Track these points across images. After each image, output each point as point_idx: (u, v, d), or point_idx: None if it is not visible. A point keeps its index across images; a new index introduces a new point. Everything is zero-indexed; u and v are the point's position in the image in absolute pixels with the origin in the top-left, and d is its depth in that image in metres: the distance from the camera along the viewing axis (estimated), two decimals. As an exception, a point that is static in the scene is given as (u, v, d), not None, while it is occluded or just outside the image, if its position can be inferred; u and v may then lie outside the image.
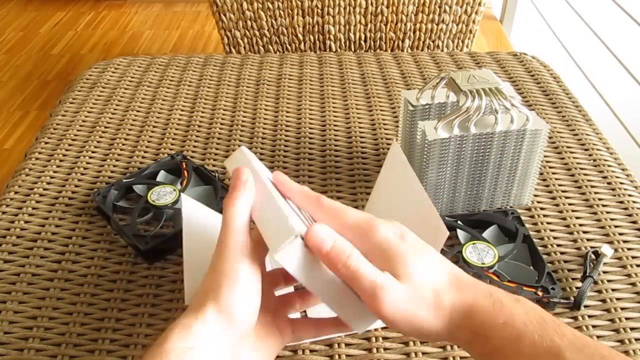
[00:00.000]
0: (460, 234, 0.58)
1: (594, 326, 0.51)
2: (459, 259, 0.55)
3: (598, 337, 0.50)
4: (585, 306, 0.52)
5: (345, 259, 0.36)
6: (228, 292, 0.37)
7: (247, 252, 0.39)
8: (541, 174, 0.68)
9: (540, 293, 0.51)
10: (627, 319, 0.51)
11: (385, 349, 0.49)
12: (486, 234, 0.58)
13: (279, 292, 0.47)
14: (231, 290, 0.37)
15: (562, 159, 0.71)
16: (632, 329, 0.50)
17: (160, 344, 0.36)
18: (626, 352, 0.49)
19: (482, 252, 0.55)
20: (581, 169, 0.69)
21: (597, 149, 0.73)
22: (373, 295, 0.36)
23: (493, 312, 0.36)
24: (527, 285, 0.52)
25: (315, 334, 0.48)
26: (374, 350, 0.49)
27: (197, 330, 0.36)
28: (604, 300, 0.53)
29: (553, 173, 0.69)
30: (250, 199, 0.40)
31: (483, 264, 0.54)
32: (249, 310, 0.38)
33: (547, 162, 0.71)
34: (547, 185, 0.67)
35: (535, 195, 0.65)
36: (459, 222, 0.60)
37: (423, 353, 0.49)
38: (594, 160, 0.71)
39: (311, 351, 0.49)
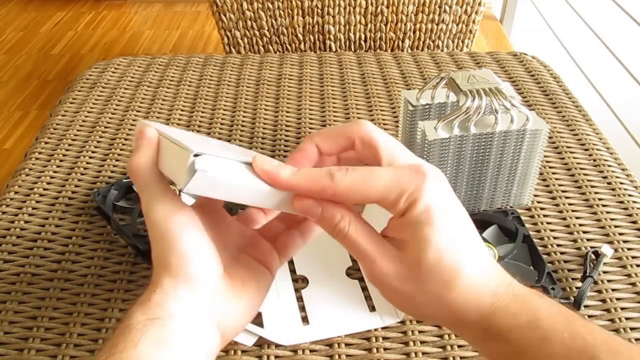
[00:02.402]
0: None
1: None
2: None
3: (598, 337, 0.50)
4: (585, 306, 0.52)
5: (334, 224, 0.34)
6: (174, 257, 0.35)
7: (178, 208, 0.36)
8: (541, 174, 0.68)
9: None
10: (627, 319, 0.51)
11: (385, 349, 0.49)
12: (486, 234, 0.58)
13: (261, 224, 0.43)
14: (176, 254, 0.35)
15: (562, 159, 0.71)
16: (632, 329, 0.51)
17: (124, 322, 0.34)
18: (626, 352, 0.49)
19: None
20: (581, 169, 0.69)
21: (597, 149, 0.73)
22: (363, 265, 0.34)
23: (515, 310, 0.32)
24: (527, 284, 0.52)
25: (304, 240, 0.43)
26: (374, 350, 0.49)
27: (158, 302, 0.34)
28: (604, 300, 0.53)
29: (553, 173, 0.69)
30: (152, 153, 0.37)
31: None
32: (204, 266, 0.35)
33: (547, 162, 0.71)
34: (547, 185, 0.67)
35: (535, 195, 0.65)
36: None
37: (423, 353, 0.49)
38: (594, 160, 0.71)
39: (311, 351, 0.49)
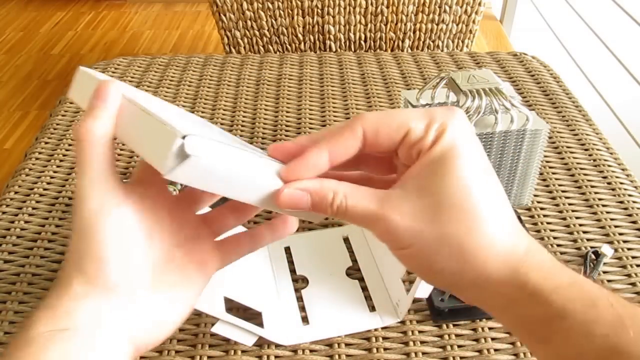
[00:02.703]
0: None
1: (594, 326, 0.51)
2: None
3: (598, 337, 0.50)
4: (585, 306, 0.52)
5: (328, 205, 0.29)
6: (93, 262, 0.30)
7: (117, 202, 0.30)
8: (541, 174, 0.68)
9: None
10: (627, 319, 0.51)
11: (385, 349, 0.49)
12: None
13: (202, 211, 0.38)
14: (97, 259, 0.30)
15: (562, 159, 0.71)
16: (632, 329, 0.50)
17: (24, 332, 0.29)
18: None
19: None
20: (581, 169, 0.69)
21: (597, 149, 0.73)
22: (375, 230, 0.29)
23: (553, 269, 0.28)
24: None
25: (251, 247, 0.38)
26: (374, 350, 0.49)
27: (67, 310, 0.29)
28: (604, 300, 0.53)
29: (553, 173, 0.69)
30: (110, 121, 0.30)
31: None
32: (127, 277, 0.31)
33: (547, 162, 0.71)
34: (547, 185, 0.67)
35: (535, 195, 0.65)
36: None
37: (423, 353, 0.49)
38: (594, 160, 0.71)
39: (311, 351, 0.49)
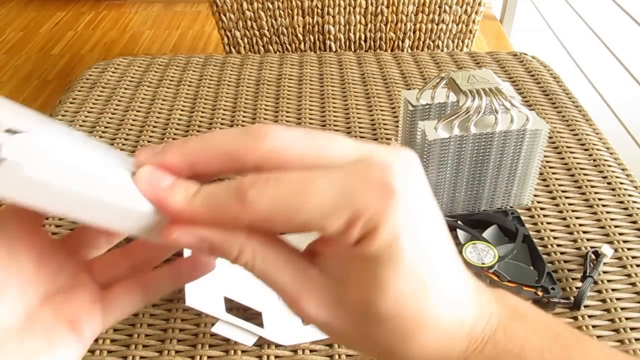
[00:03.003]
0: (460, 233, 0.58)
1: (594, 326, 0.51)
2: None
3: (598, 337, 0.50)
4: (585, 306, 0.52)
5: (232, 259, 0.24)
6: None
7: None
8: (541, 174, 0.68)
9: (540, 293, 0.51)
10: (627, 319, 0.51)
11: (385, 349, 0.49)
12: (486, 234, 0.58)
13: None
14: None
15: (562, 159, 0.71)
16: (632, 329, 0.50)
17: None
18: (626, 352, 0.49)
19: (482, 252, 0.55)
20: (581, 169, 0.69)
21: (597, 149, 0.73)
22: (287, 304, 0.25)
23: (493, 353, 0.25)
24: (527, 285, 0.52)
25: (152, 295, 0.30)
26: (374, 350, 0.49)
27: None
28: (604, 300, 0.53)
29: (553, 173, 0.69)
30: None
31: (483, 264, 0.54)
32: None
33: (547, 162, 0.71)
34: (547, 185, 0.67)
35: (535, 195, 0.65)
36: (458, 222, 0.59)
37: (423, 353, 0.49)
38: (594, 160, 0.71)
39: (311, 351, 0.49)
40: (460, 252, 0.55)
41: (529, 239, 0.57)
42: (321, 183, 0.21)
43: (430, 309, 0.23)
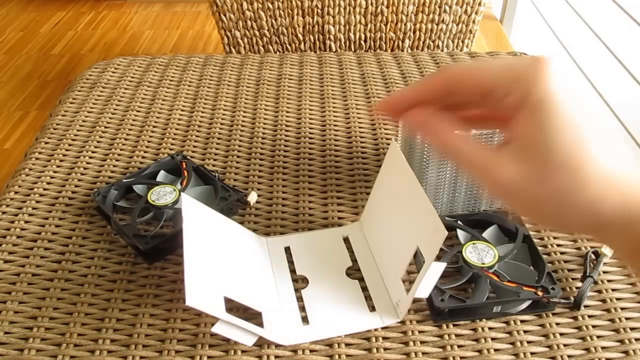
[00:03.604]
0: (460, 234, 0.58)
1: (594, 326, 0.51)
2: (458, 259, 0.55)
3: (598, 337, 0.50)
4: (585, 306, 0.52)
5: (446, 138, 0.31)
6: None
7: None
8: (541, 174, 0.68)
9: (540, 293, 0.51)
10: (627, 319, 0.51)
11: (385, 349, 0.49)
12: (486, 234, 0.58)
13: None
14: None
15: (562, 159, 0.71)
16: (632, 329, 0.51)
17: None
18: (626, 352, 0.49)
19: (482, 252, 0.55)
20: (581, 169, 0.69)
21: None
22: (484, 177, 0.30)
23: None
24: (527, 285, 0.52)
25: None
26: (374, 350, 0.49)
27: None
28: (604, 300, 0.53)
29: (553, 173, 0.69)
30: None
31: (483, 264, 0.54)
32: None
33: (547, 162, 0.70)
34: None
35: (535, 195, 0.65)
36: (458, 222, 0.60)
37: (423, 353, 0.49)
38: (594, 160, 0.71)
39: (311, 351, 0.49)
40: (460, 252, 0.55)
41: (529, 239, 0.57)
42: (493, 65, 0.29)
43: (591, 146, 0.27)
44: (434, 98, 0.31)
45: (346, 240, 0.60)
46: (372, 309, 0.52)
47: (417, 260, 0.54)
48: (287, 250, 0.58)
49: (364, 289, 0.54)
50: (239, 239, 0.57)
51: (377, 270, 0.56)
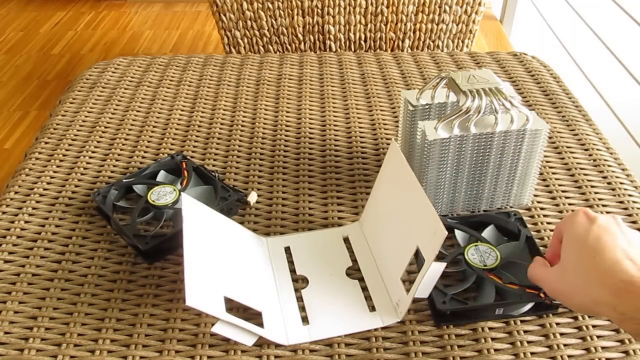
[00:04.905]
0: (460, 235, 0.58)
1: (594, 326, 0.51)
2: (460, 261, 0.55)
3: (598, 337, 0.50)
4: (585, 306, 0.52)
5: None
6: None
7: None
8: (541, 174, 0.68)
9: (542, 295, 0.51)
10: (627, 319, 0.51)
11: (385, 349, 0.49)
12: (485, 233, 0.58)
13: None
14: None
15: (562, 159, 0.71)
16: (632, 329, 0.50)
17: None
18: (626, 352, 0.49)
19: (484, 253, 0.55)
20: (581, 169, 0.69)
21: (597, 149, 0.73)
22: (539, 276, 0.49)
23: None
24: (529, 287, 0.52)
25: None
26: (374, 350, 0.49)
27: None
28: (604, 300, 0.53)
29: (553, 173, 0.69)
30: None
31: (485, 265, 0.54)
32: None
33: (547, 162, 0.71)
34: (547, 185, 0.67)
35: (535, 195, 0.65)
36: (458, 224, 0.59)
37: (423, 353, 0.49)
38: (594, 160, 0.71)
39: (311, 351, 0.49)
40: (463, 253, 0.55)
41: (531, 240, 0.57)
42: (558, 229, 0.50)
43: (597, 264, 0.42)
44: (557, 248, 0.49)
45: (346, 240, 0.60)
46: (372, 309, 0.52)
47: (418, 261, 0.54)
48: (287, 250, 0.58)
49: (364, 289, 0.54)
50: (238, 239, 0.57)
51: (377, 270, 0.56)
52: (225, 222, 0.57)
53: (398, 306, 0.52)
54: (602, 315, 0.44)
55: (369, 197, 0.60)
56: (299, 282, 0.55)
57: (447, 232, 0.45)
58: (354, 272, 0.56)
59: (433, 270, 0.48)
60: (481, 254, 0.55)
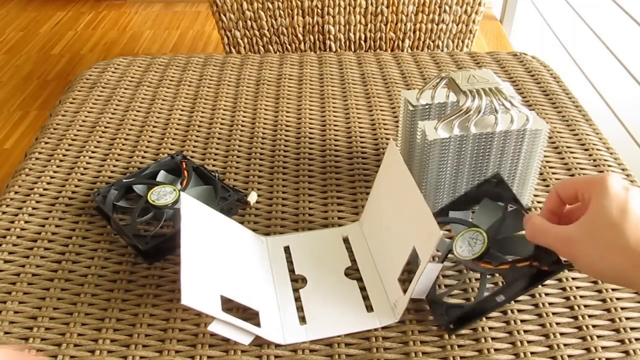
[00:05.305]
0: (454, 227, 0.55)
1: (594, 326, 0.51)
2: (450, 257, 0.53)
3: (598, 337, 0.50)
4: (585, 306, 0.52)
5: (527, 221, 0.46)
6: None
7: None
8: (541, 174, 0.68)
9: (535, 264, 0.48)
10: (627, 318, 0.51)
11: (385, 348, 0.49)
12: (478, 211, 0.55)
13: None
14: None
15: (562, 159, 0.71)
16: (632, 328, 0.50)
17: None
18: (626, 352, 0.49)
19: (471, 241, 0.52)
20: (581, 169, 0.69)
21: (597, 149, 0.73)
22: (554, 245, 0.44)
23: None
24: (520, 261, 0.48)
25: None
26: (374, 350, 0.49)
27: None
28: (604, 300, 0.53)
29: (553, 173, 0.69)
30: None
31: (474, 254, 0.50)
32: None
33: (547, 162, 0.71)
34: (547, 185, 0.67)
35: (535, 195, 0.65)
36: (447, 213, 0.56)
37: (423, 353, 0.49)
38: (594, 160, 0.71)
39: (311, 351, 0.49)
40: (451, 249, 0.52)
41: (517, 202, 0.53)
42: (576, 182, 0.46)
43: (620, 232, 0.41)
44: (557, 207, 0.47)
45: (346, 240, 0.60)
46: (370, 309, 0.52)
47: (414, 261, 0.53)
48: (287, 250, 0.58)
49: (362, 289, 0.54)
50: (237, 238, 0.57)
51: (375, 271, 0.56)
52: (224, 222, 0.57)
53: (395, 307, 0.51)
54: (635, 285, 0.40)
55: (369, 198, 0.60)
56: (298, 282, 0.55)
57: (441, 233, 0.45)
58: (353, 272, 0.56)
59: (429, 272, 0.48)
60: (468, 243, 0.52)
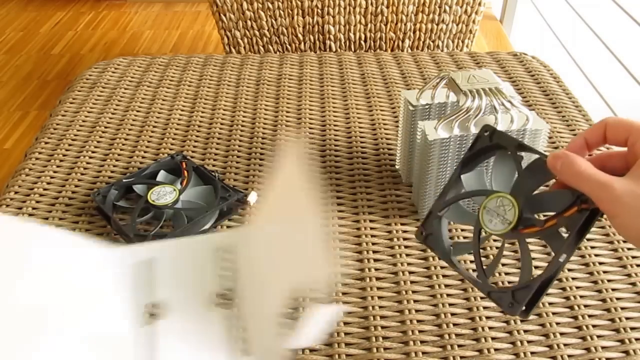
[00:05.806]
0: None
1: (594, 326, 0.51)
2: (483, 239, 0.42)
3: (598, 336, 0.50)
4: (585, 306, 0.52)
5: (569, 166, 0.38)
6: None
7: None
8: (541, 174, 0.68)
9: (584, 206, 0.39)
10: (627, 318, 0.51)
11: (385, 348, 0.49)
12: (497, 182, 0.43)
13: None
14: None
15: (562, 159, 0.71)
16: (632, 328, 0.51)
17: None
18: (626, 352, 0.49)
19: (498, 209, 0.41)
20: (581, 169, 0.69)
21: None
22: (601, 195, 0.36)
23: None
24: (565, 210, 0.39)
25: None
26: (374, 350, 0.49)
27: None
28: (604, 300, 0.53)
29: (553, 173, 0.69)
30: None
31: (510, 222, 0.40)
32: None
33: (547, 162, 0.70)
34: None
35: (535, 195, 0.65)
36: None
37: (423, 353, 0.49)
38: (594, 160, 0.71)
39: (311, 351, 0.49)
40: (480, 230, 0.41)
41: (526, 147, 0.43)
42: (631, 124, 0.40)
43: None
44: (595, 142, 0.42)
45: (229, 251, 0.41)
46: (245, 354, 0.41)
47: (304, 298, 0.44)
48: (153, 263, 0.40)
49: (239, 323, 0.43)
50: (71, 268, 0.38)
51: (257, 300, 0.40)
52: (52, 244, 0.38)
53: (272, 352, 0.38)
54: None
55: (264, 200, 0.46)
56: (156, 308, 0.41)
57: (332, 268, 0.37)
58: (227, 300, 0.47)
59: (319, 316, 0.38)
60: (496, 213, 0.41)
